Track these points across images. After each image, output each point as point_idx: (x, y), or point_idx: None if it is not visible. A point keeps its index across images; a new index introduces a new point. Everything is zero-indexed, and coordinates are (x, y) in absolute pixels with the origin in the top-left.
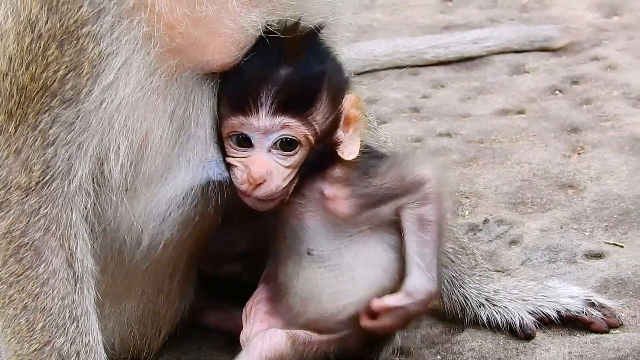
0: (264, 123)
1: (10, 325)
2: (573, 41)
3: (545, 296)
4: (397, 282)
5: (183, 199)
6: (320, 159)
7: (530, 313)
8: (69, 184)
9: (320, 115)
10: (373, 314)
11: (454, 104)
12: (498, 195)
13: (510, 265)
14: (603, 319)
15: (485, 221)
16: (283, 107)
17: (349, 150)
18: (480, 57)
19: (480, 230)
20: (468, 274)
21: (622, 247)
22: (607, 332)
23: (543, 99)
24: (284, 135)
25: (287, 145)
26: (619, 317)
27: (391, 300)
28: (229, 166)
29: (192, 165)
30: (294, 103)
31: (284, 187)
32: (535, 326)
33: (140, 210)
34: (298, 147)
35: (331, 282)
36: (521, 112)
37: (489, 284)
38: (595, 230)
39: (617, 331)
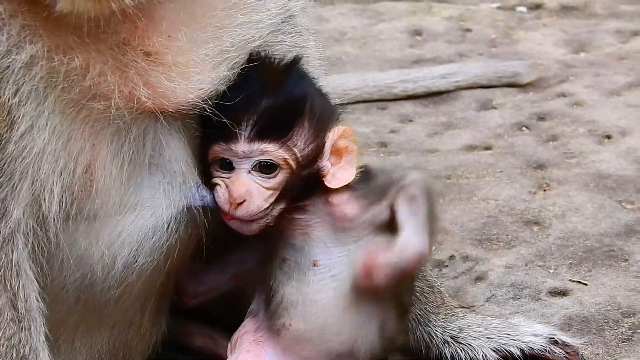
0: (242, 149)
1: None
2: (540, 77)
3: (509, 334)
4: None
5: (151, 231)
6: (308, 185)
7: (494, 350)
8: (5, 225)
9: (301, 141)
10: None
11: (422, 139)
12: (464, 231)
13: (476, 302)
14: (566, 357)
15: (451, 257)
16: (260, 133)
17: (337, 180)
18: (448, 92)
19: (446, 266)
20: (434, 312)
21: (585, 284)
22: None
23: (510, 135)
24: (261, 159)
25: (266, 168)
26: (581, 355)
27: (382, 257)
28: (213, 188)
29: (164, 196)
30: (271, 129)
31: (266, 209)
32: None
33: (101, 245)
34: (278, 170)
35: (336, 293)
36: (488, 148)
37: (454, 322)
38: (559, 267)
39: None
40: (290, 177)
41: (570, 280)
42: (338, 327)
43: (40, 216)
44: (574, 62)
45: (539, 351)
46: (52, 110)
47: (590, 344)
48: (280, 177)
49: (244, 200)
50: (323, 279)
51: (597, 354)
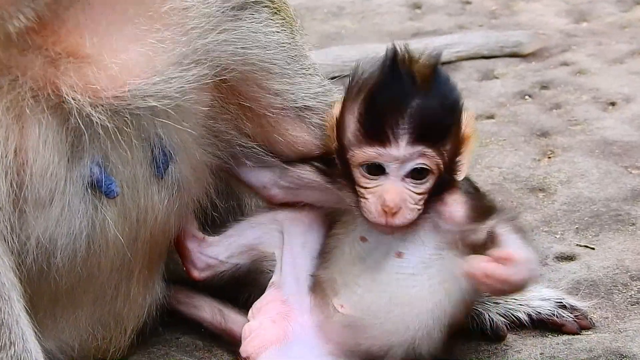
0: (403, 153)
1: None
2: (542, 47)
3: (515, 299)
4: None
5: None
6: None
7: (501, 315)
8: None
9: (449, 144)
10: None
11: None
12: None
13: None
14: (574, 320)
15: None
16: (421, 136)
17: (464, 168)
18: (450, 62)
19: None
20: None
21: (593, 249)
22: (578, 333)
23: (512, 104)
24: (419, 164)
25: (418, 173)
26: (590, 318)
27: (501, 271)
28: (357, 196)
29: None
30: (431, 133)
31: (417, 212)
32: (507, 328)
33: (45, 229)
34: (429, 176)
35: (412, 291)
36: (491, 117)
37: None
38: (566, 232)
39: (589, 332)
40: (436, 181)
41: (577, 245)
42: (402, 324)
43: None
44: (575, 31)
45: (547, 316)
46: None
47: (599, 308)
48: (429, 182)
49: (400, 209)
50: (402, 273)
51: (606, 318)
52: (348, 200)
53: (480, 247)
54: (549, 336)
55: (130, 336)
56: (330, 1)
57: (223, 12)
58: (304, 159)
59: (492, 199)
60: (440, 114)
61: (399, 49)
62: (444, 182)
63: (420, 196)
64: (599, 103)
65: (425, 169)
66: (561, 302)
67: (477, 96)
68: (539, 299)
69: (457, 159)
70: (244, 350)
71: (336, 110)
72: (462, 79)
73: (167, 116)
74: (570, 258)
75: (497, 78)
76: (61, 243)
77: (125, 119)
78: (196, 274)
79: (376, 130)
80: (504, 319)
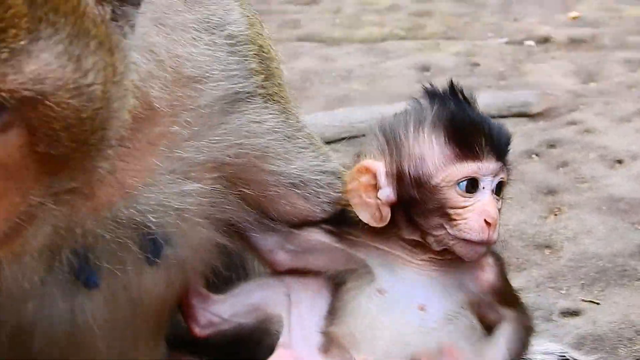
0: (496, 166)
1: None
2: (550, 107)
3: None
4: None
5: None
6: None
7: None
8: None
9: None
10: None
11: None
12: None
13: None
14: None
15: None
16: (503, 152)
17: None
18: None
19: None
20: None
21: (598, 304)
22: None
23: (519, 163)
24: (502, 177)
25: (499, 188)
26: None
27: None
28: (443, 220)
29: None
30: (507, 148)
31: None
32: None
33: (27, 315)
34: (503, 191)
35: (429, 346)
36: None
37: None
38: (571, 288)
39: None
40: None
41: (582, 300)
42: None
43: None
44: (583, 91)
45: None
46: None
47: None
48: (502, 200)
49: (496, 224)
50: (425, 327)
51: None
52: (362, 256)
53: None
54: None
55: None
56: (340, 65)
57: (212, 110)
58: (309, 223)
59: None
60: (507, 132)
61: (454, 83)
62: None
63: (499, 214)
64: (606, 161)
65: (504, 183)
66: (565, 357)
67: None
68: (542, 352)
69: None
70: None
71: (380, 158)
72: None
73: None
74: (575, 313)
75: None
76: (39, 331)
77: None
78: (197, 330)
79: (471, 145)
80: None
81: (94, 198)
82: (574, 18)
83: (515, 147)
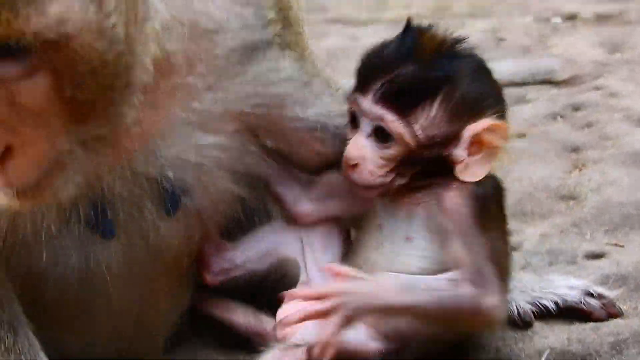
0: (367, 107)
1: None
2: (575, 74)
3: (542, 287)
4: None
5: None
6: (433, 166)
7: (528, 303)
8: None
9: (426, 121)
10: None
11: None
12: None
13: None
14: (602, 308)
15: None
16: (383, 98)
17: (470, 172)
18: None
19: None
20: None
21: (622, 246)
22: (606, 321)
23: (544, 124)
24: (379, 124)
25: (382, 136)
26: (618, 307)
27: None
28: None
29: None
30: (396, 98)
31: (381, 178)
32: (534, 315)
33: (41, 262)
34: (392, 143)
35: (419, 273)
36: (522, 135)
37: None
38: (595, 233)
39: (617, 319)
40: (408, 154)
41: (606, 244)
42: None
43: None
44: (608, 61)
45: (573, 303)
46: None
47: (629, 299)
48: (393, 150)
49: (357, 164)
50: (414, 255)
51: (635, 308)
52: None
53: None
54: (576, 323)
55: (161, 343)
56: (365, 42)
57: (229, 60)
58: (328, 167)
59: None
60: (412, 84)
61: (414, 22)
62: (434, 164)
63: (384, 161)
64: (631, 120)
65: (387, 133)
66: (588, 290)
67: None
68: (565, 286)
69: (451, 151)
70: (282, 325)
71: None
72: None
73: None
74: (599, 256)
75: (528, 102)
76: (52, 278)
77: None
78: (209, 277)
79: (360, 79)
80: (531, 307)
81: (118, 147)
82: None
83: (540, 110)
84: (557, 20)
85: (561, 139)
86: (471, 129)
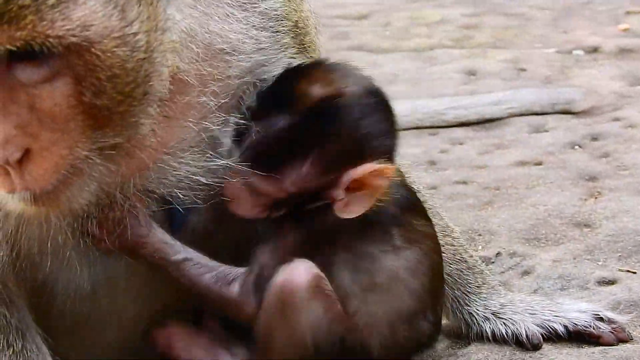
0: (237, 160)
1: None
2: (595, 105)
3: (552, 311)
4: None
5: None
6: (310, 201)
7: (537, 326)
8: None
9: (298, 177)
10: None
11: (471, 157)
12: (512, 232)
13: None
14: (612, 332)
15: (498, 254)
16: (254, 157)
17: (348, 209)
18: (500, 119)
19: (493, 262)
20: (474, 293)
21: (634, 273)
22: (616, 345)
23: (561, 153)
24: (250, 181)
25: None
26: (628, 332)
27: None
28: None
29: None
30: (264, 157)
31: (256, 212)
32: (543, 338)
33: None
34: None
35: None
36: (539, 163)
37: (496, 299)
38: (608, 260)
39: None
40: (283, 199)
41: (619, 270)
42: None
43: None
44: (629, 93)
45: (583, 327)
46: None
47: (639, 325)
48: (265, 199)
49: (232, 200)
50: None
51: None
52: None
53: None
54: (585, 347)
55: None
56: (387, 70)
57: (242, 81)
58: None
59: None
60: (287, 142)
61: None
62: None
63: (258, 203)
64: None
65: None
66: (598, 315)
67: (526, 146)
68: (576, 310)
69: (329, 192)
70: None
71: None
72: (512, 132)
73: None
74: (611, 282)
75: (547, 131)
76: (59, 291)
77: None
78: None
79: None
80: (540, 329)
81: (133, 158)
82: (624, 30)
83: (559, 139)
84: (579, 52)
85: (578, 167)
86: (351, 175)
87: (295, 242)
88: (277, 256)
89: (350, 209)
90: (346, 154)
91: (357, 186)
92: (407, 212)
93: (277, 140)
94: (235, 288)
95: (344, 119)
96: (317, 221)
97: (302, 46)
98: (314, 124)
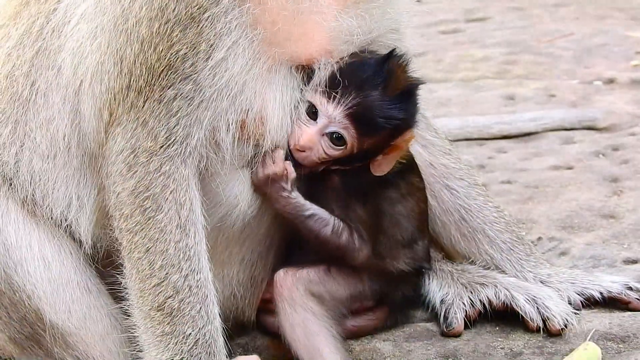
0: (335, 114)
1: (135, 266)
2: (614, 123)
3: (590, 280)
4: None
5: None
6: (356, 161)
7: (577, 293)
8: (186, 146)
9: (374, 142)
10: None
11: (514, 162)
12: (550, 221)
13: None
14: (639, 299)
15: (539, 239)
16: (356, 117)
17: (380, 168)
18: (537, 133)
19: (535, 245)
20: (525, 260)
21: None
22: None
23: (588, 160)
24: (340, 132)
25: (336, 140)
26: None
27: None
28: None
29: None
30: (364, 123)
31: (318, 165)
32: (582, 303)
33: (238, 186)
34: (342, 148)
35: None
36: (570, 168)
37: (543, 270)
38: (632, 244)
39: None
40: (347, 156)
41: None
42: None
43: (216, 144)
44: None
45: (616, 294)
46: (243, 49)
47: None
48: (340, 152)
49: (304, 151)
50: None
51: None
52: None
53: None
54: (616, 312)
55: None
56: (440, 95)
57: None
58: None
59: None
60: (381, 119)
61: (398, 54)
62: (357, 160)
63: (327, 156)
64: None
65: (342, 139)
66: (628, 285)
67: (558, 154)
68: (609, 280)
69: (376, 155)
70: None
71: None
72: (546, 143)
73: None
74: (635, 261)
75: (575, 143)
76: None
77: None
78: None
79: (332, 86)
80: (579, 296)
81: None
82: (636, 65)
83: (585, 149)
84: (599, 83)
85: (603, 171)
86: (397, 141)
87: (346, 194)
88: (343, 205)
89: (382, 168)
90: (406, 128)
91: (391, 150)
92: (407, 170)
93: (373, 113)
94: (343, 238)
95: (414, 103)
96: (357, 176)
97: None
98: (399, 109)
